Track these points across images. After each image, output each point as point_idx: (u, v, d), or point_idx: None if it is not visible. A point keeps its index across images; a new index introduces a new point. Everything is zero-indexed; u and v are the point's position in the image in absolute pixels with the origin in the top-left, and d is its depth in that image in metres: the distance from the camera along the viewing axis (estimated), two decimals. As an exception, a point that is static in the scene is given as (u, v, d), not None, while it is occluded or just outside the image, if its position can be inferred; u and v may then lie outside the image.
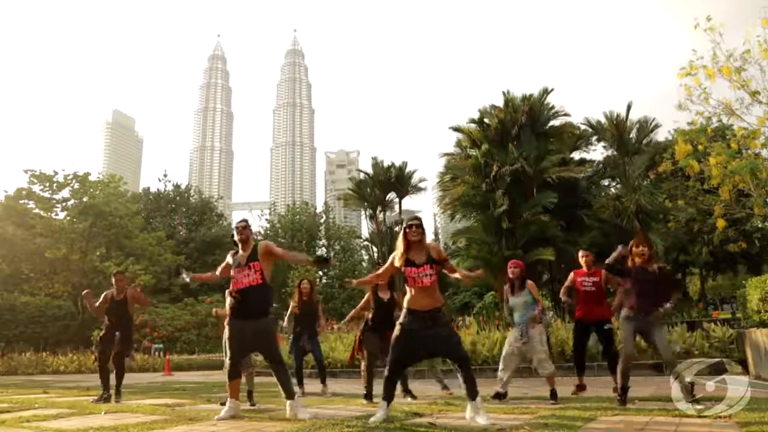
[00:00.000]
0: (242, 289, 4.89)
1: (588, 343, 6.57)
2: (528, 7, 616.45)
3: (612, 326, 6.24)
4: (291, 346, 8.00)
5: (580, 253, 6.34)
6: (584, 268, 6.22)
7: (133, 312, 7.41)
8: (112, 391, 6.90)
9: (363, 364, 6.41)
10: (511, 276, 5.99)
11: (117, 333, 7.03)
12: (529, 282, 6.01)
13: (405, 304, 4.47)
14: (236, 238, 5.11)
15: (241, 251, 5.07)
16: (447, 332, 4.39)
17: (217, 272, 5.21)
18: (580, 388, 6.17)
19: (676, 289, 5.41)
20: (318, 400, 6.68)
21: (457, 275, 4.56)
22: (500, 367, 5.97)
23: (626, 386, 5.21)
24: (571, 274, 6.34)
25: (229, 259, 5.15)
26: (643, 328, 5.12)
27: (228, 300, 6.36)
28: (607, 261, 5.23)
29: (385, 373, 4.49)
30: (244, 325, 4.87)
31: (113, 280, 7.27)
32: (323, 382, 7.75)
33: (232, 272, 5.01)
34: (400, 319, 4.49)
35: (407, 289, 4.49)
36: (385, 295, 6.45)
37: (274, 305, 5.29)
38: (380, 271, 4.84)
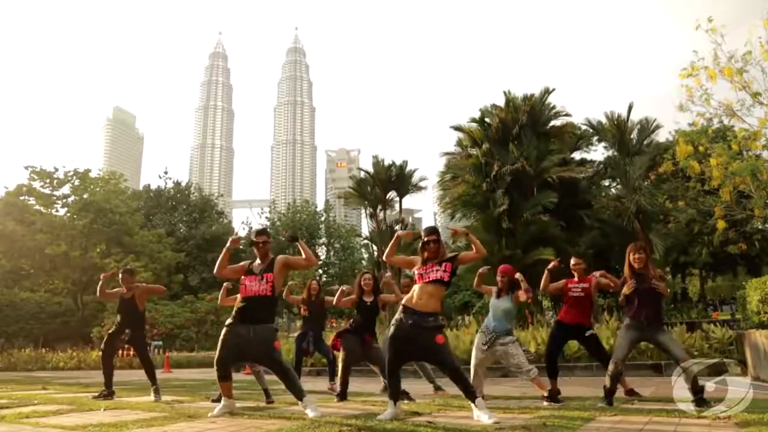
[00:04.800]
0: (250, 297, 4.82)
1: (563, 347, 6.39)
2: (529, 7, 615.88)
3: (594, 332, 6.15)
4: (296, 343, 7.90)
5: (572, 261, 6.11)
6: (576, 277, 6.04)
7: (144, 308, 7.06)
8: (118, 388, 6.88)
9: (340, 364, 6.25)
10: (500, 285, 5.99)
11: (127, 330, 6.85)
12: (519, 293, 5.93)
13: (403, 301, 4.55)
14: (256, 252, 4.99)
15: (258, 262, 5.01)
16: (428, 343, 4.35)
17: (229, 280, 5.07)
18: (554, 393, 5.68)
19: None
20: (317, 399, 6.64)
21: (472, 250, 4.52)
22: (471, 373, 5.85)
23: (613, 390, 5.21)
24: (563, 281, 6.11)
25: (244, 264, 5.05)
26: (650, 338, 5.13)
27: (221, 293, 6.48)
28: (624, 293, 5.11)
29: (386, 372, 4.60)
30: (243, 330, 4.77)
31: (120, 277, 6.99)
32: (332, 378, 7.46)
33: (242, 277, 4.91)
34: (395, 316, 4.57)
35: (413, 289, 4.55)
36: (369, 299, 6.35)
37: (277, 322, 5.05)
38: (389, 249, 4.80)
